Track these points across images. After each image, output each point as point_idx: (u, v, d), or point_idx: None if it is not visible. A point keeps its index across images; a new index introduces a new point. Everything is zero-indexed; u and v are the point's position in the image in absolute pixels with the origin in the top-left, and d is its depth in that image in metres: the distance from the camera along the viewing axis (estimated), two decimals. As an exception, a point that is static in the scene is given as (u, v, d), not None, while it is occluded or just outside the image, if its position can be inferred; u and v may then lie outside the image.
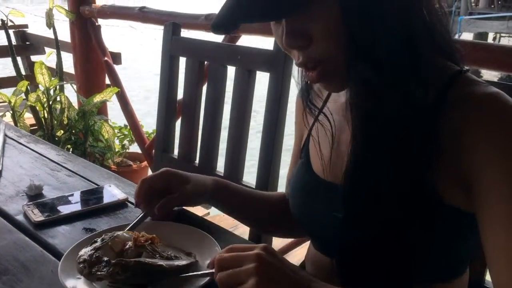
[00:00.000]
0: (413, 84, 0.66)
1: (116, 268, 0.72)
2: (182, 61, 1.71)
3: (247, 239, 1.24)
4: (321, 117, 0.83)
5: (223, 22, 0.67)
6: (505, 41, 14.55)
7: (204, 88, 1.70)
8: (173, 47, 1.70)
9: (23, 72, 3.17)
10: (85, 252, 0.76)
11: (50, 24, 2.75)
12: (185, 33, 1.87)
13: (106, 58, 2.83)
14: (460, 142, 0.67)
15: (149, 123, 3.25)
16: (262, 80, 1.54)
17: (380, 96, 0.66)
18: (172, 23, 1.68)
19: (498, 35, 14.92)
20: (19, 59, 3.15)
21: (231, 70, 1.57)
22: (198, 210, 2.96)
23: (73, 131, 2.69)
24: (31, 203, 1.00)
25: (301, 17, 0.64)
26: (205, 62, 1.70)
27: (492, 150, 0.64)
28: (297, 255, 2.11)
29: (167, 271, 0.74)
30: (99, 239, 0.80)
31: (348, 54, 0.65)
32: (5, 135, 1.40)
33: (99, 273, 0.72)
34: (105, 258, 0.73)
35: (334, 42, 0.65)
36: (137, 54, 9.62)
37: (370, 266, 0.75)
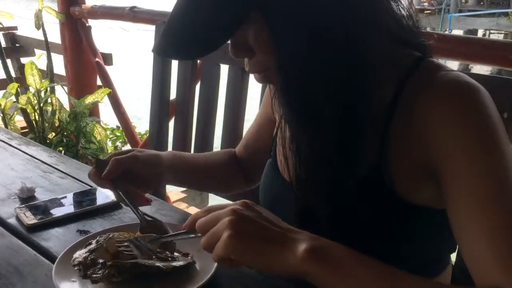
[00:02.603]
0: (357, 86, 0.65)
1: (112, 270, 0.70)
2: (175, 60, 1.70)
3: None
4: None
5: (159, 51, 0.71)
6: (494, 37, 14.64)
7: (197, 87, 1.68)
8: (165, 46, 1.68)
9: (13, 74, 3.14)
10: (80, 254, 0.74)
11: (38, 25, 2.71)
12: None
13: (97, 59, 2.81)
14: (422, 130, 0.66)
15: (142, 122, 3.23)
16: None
17: (312, 105, 0.66)
18: (164, 22, 1.66)
19: (487, 32, 15.03)
20: (8, 61, 3.11)
21: (224, 69, 1.56)
22: (192, 211, 2.95)
23: (65, 133, 2.66)
24: (23, 206, 0.98)
25: (242, 33, 0.66)
26: (198, 61, 1.68)
27: (455, 134, 0.63)
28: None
29: (164, 272, 0.73)
30: (93, 241, 0.78)
31: (279, 63, 0.66)
32: (-4, 138, 1.38)
33: (94, 275, 0.70)
34: (100, 260, 0.72)
35: (270, 54, 0.66)
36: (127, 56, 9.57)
37: None
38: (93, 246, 0.76)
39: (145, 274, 0.72)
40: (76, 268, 0.72)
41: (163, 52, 0.71)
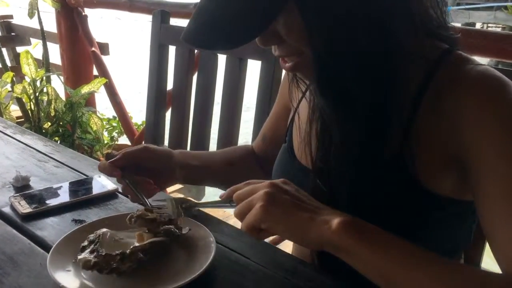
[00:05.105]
0: (387, 71, 0.66)
1: (136, 255, 0.70)
2: (172, 49, 1.69)
3: (239, 228, 1.22)
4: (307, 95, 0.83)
5: (193, 41, 0.68)
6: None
7: (195, 77, 1.67)
8: (162, 35, 1.67)
9: (8, 63, 3.11)
10: (87, 255, 0.72)
11: (31, 13, 2.68)
12: (174, 22, 1.84)
13: (93, 49, 2.79)
14: (451, 122, 0.66)
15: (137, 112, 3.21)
16: (253, 69, 1.51)
17: (347, 93, 0.66)
18: (161, 11, 1.65)
19: (485, 26, 15.01)
20: (4, 50, 3.08)
21: (222, 59, 1.55)
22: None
23: (61, 123, 2.65)
24: (17, 194, 0.97)
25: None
26: (195, 51, 1.67)
27: (486, 128, 0.63)
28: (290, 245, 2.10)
29: (176, 239, 0.76)
30: (86, 241, 0.76)
31: (314, 53, 0.65)
32: (-10, 126, 1.36)
33: (121, 266, 0.69)
34: (117, 251, 0.71)
35: (302, 42, 0.65)
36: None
37: None
38: (92, 239, 0.74)
39: (165, 248, 0.74)
40: (96, 269, 0.69)
41: (197, 42, 0.69)
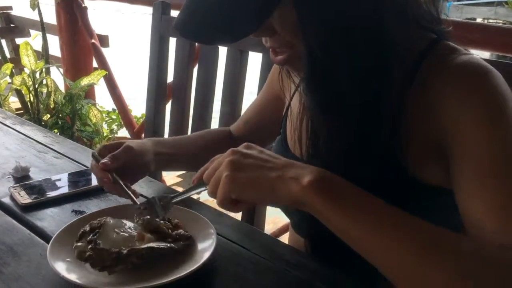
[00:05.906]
0: (377, 65, 0.66)
1: (131, 258, 0.70)
2: (172, 41, 1.68)
3: (240, 220, 1.22)
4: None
5: (187, 34, 0.67)
6: (493, 27, 14.55)
7: (195, 69, 1.66)
8: (163, 27, 1.66)
9: (7, 55, 3.10)
10: (84, 245, 0.71)
11: (34, 5, 2.67)
12: (175, 14, 1.83)
13: (93, 41, 2.77)
14: (435, 110, 0.66)
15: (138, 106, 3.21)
16: (255, 61, 1.51)
17: (337, 89, 0.66)
18: (162, 2, 1.64)
19: (486, 21, 14.98)
20: (3, 42, 3.07)
21: (222, 51, 1.54)
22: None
23: (60, 115, 2.64)
24: (17, 185, 0.97)
25: None
26: (196, 43, 1.66)
27: (467, 113, 0.64)
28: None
29: (176, 251, 0.74)
30: (89, 226, 0.76)
31: (306, 49, 0.65)
32: (-10, 117, 1.36)
33: (113, 267, 0.68)
34: (114, 249, 0.70)
35: (296, 37, 0.65)
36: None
37: (341, 247, 0.70)
38: (91, 235, 0.74)
39: (161, 256, 0.72)
40: (87, 263, 0.69)
41: (191, 35, 0.68)
